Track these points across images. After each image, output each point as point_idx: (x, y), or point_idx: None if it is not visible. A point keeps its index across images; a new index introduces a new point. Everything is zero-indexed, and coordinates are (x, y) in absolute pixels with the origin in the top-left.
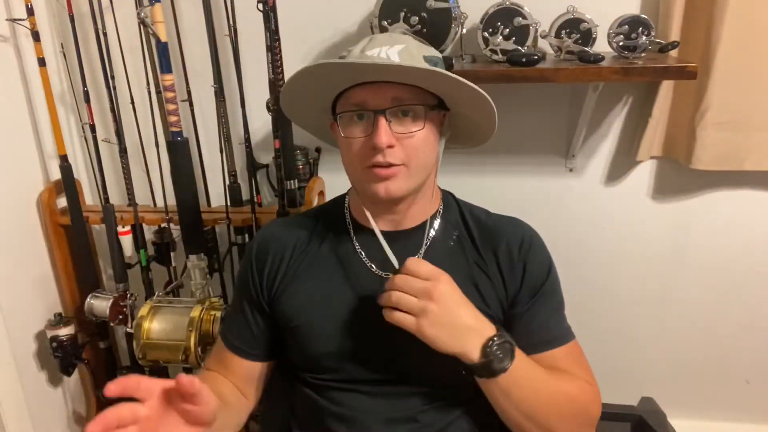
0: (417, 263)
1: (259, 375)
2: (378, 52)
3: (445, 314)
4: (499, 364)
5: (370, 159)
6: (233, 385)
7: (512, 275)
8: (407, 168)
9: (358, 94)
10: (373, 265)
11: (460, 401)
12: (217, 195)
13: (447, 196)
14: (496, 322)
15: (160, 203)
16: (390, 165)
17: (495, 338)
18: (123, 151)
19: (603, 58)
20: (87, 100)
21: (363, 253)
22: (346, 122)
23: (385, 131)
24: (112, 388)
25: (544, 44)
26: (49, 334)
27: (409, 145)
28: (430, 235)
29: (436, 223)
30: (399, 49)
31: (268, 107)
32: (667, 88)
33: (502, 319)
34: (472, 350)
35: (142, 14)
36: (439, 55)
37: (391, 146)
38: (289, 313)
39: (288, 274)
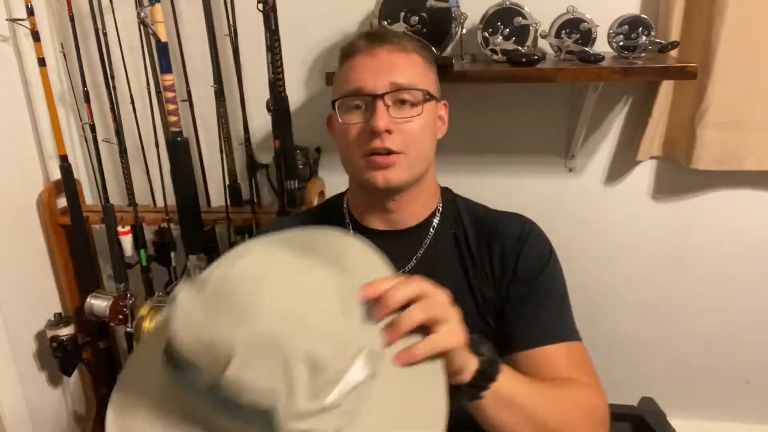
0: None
1: None
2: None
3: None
4: (490, 356)
5: (369, 145)
6: None
7: (503, 270)
8: (406, 156)
9: (357, 75)
10: None
11: None
12: (217, 195)
13: (446, 193)
14: (489, 325)
15: (160, 203)
16: (389, 152)
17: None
18: (123, 151)
19: (603, 58)
20: (87, 100)
21: None
22: (344, 109)
23: (383, 114)
24: None
25: (544, 44)
26: (49, 334)
27: (408, 131)
28: (429, 233)
29: (435, 221)
30: None
31: (268, 107)
32: (667, 88)
33: (494, 322)
34: (470, 359)
35: (142, 14)
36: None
37: (389, 131)
38: None
39: None
